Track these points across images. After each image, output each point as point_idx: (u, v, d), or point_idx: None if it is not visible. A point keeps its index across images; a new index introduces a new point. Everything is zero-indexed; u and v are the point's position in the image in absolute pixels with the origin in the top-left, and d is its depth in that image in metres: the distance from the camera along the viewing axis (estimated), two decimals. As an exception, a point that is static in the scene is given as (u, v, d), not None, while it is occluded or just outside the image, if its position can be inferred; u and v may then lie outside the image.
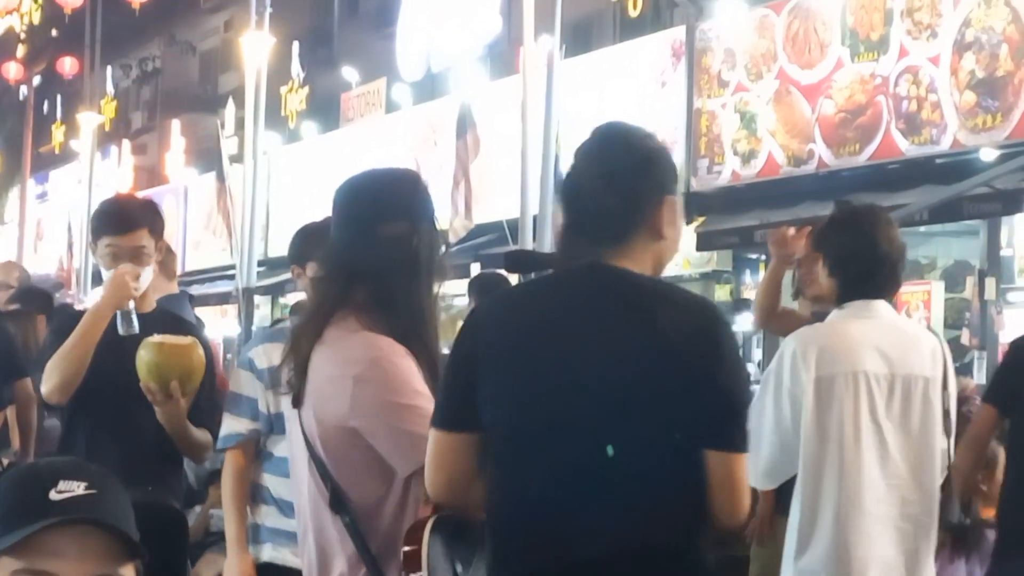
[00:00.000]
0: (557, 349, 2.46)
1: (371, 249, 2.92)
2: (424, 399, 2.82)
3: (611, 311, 2.46)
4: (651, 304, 2.45)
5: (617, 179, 2.51)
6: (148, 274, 4.12)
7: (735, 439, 2.43)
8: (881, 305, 3.67)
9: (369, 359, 2.85)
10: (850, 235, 3.73)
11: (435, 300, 2.99)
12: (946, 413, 3.61)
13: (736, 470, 2.42)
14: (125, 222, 4.16)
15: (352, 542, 2.89)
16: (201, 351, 4.01)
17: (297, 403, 2.94)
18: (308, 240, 4.01)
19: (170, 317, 4.32)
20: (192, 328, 4.35)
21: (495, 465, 2.52)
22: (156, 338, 3.91)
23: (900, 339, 3.66)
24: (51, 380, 4.00)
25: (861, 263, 3.67)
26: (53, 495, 1.69)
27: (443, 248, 3.04)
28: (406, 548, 2.75)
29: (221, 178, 18.15)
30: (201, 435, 4.10)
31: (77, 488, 1.70)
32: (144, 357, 3.87)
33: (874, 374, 3.55)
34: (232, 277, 18.24)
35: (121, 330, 3.97)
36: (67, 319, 4.26)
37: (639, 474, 2.38)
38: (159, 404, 3.89)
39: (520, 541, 2.49)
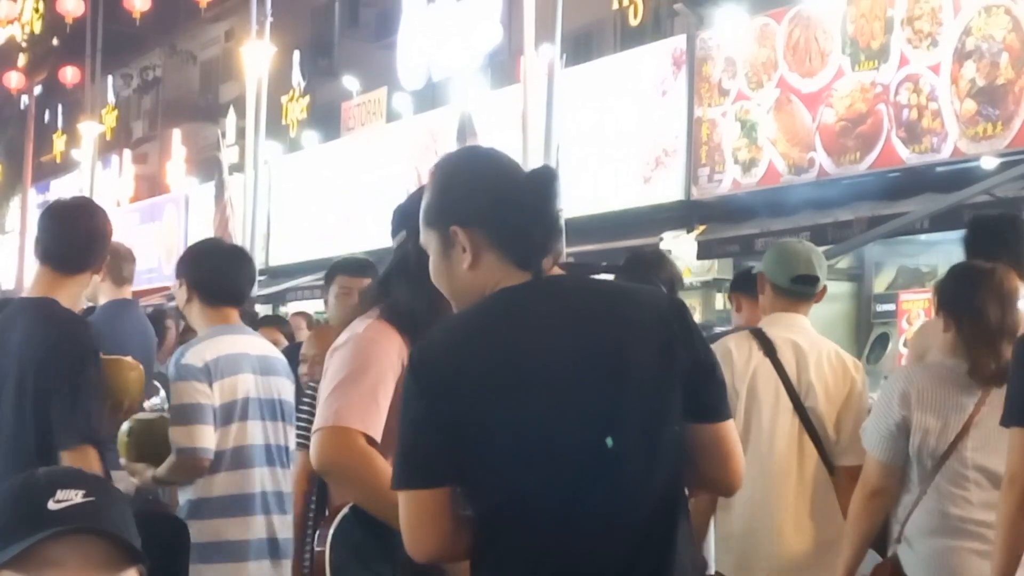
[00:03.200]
0: (541, 363, 2.41)
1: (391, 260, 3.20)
2: (363, 374, 2.93)
3: (581, 316, 2.46)
4: (618, 300, 2.50)
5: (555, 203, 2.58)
6: None
7: (728, 408, 2.58)
8: None
9: (349, 335, 3.04)
10: None
11: (439, 292, 3.05)
12: None
13: (735, 436, 2.58)
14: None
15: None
16: (134, 371, 4.02)
17: None
18: None
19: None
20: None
21: (493, 489, 2.43)
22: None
23: None
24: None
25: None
26: (51, 505, 1.68)
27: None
28: (317, 548, 2.93)
29: (220, 192, 18.14)
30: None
31: (75, 496, 1.69)
32: None
33: None
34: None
35: None
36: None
37: (642, 464, 2.41)
38: None
39: (529, 554, 2.43)
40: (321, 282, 19.98)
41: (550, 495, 2.40)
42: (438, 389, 2.41)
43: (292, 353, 5.27)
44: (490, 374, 2.40)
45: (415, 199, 3.21)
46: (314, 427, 2.94)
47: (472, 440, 2.39)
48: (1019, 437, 3.49)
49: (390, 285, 3.13)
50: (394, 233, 3.19)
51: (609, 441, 2.38)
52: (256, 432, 4.31)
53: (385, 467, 2.90)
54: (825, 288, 4.50)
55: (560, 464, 2.39)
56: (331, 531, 2.92)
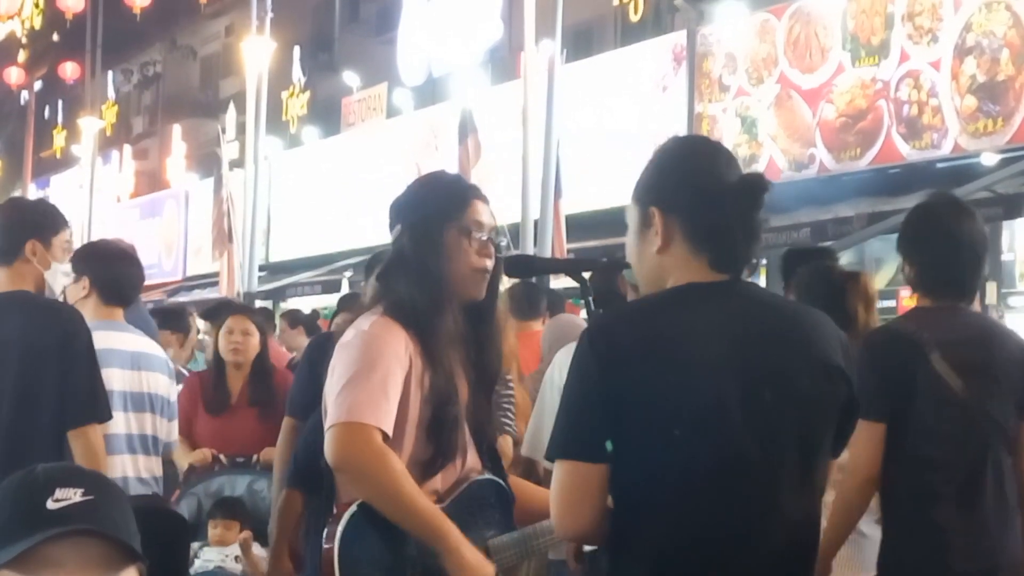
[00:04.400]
0: (720, 365, 2.38)
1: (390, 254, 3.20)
2: (372, 370, 2.91)
3: (770, 330, 2.44)
4: (808, 325, 2.48)
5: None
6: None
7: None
8: None
9: (355, 332, 3.02)
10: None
11: (437, 284, 3.06)
12: None
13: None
14: None
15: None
16: None
17: None
18: None
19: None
20: None
21: (635, 477, 2.39)
22: None
23: None
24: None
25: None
26: (50, 504, 1.67)
27: (437, 235, 3.10)
28: (325, 545, 2.90)
29: (218, 188, 18.14)
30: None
31: (74, 495, 1.68)
32: None
33: None
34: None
35: None
36: None
37: (791, 487, 2.41)
38: None
39: (682, 555, 2.40)
40: (322, 278, 19.99)
41: (688, 498, 2.37)
42: (610, 358, 2.37)
43: (322, 343, 4.78)
44: (659, 361, 2.37)
45: (410, 194, 3.23)
46: (327, 424, 2.91)
47: (628, 420, 2.36)
48: (864, 430, 3.52)
49: (389, 279, 3.12)
50: (391, 227, 3.19)
51: (609, 444, 2.35)
52: (119, 422, 4.54)
53: (399, 466, 2.89)
54: None
55: (703, 471, 2.36)
56: (340, 528, 2.91)
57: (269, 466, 5.46)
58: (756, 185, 2.47)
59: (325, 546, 2.91)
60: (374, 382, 2.90)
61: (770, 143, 13.40)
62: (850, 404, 2.47)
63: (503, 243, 3.18)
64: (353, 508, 2.91)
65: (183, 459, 5.72)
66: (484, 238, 3.13)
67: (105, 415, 4.10)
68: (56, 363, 3.97)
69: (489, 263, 3.13)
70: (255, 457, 5.63)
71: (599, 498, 2.40)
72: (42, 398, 3.97)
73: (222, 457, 5.67)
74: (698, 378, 2.36)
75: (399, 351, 2.96)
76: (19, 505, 1.69)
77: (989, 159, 11.28)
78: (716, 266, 2.45)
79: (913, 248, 3.84)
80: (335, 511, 2.98)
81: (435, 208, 3.13)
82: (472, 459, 3.15)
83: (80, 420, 3.98)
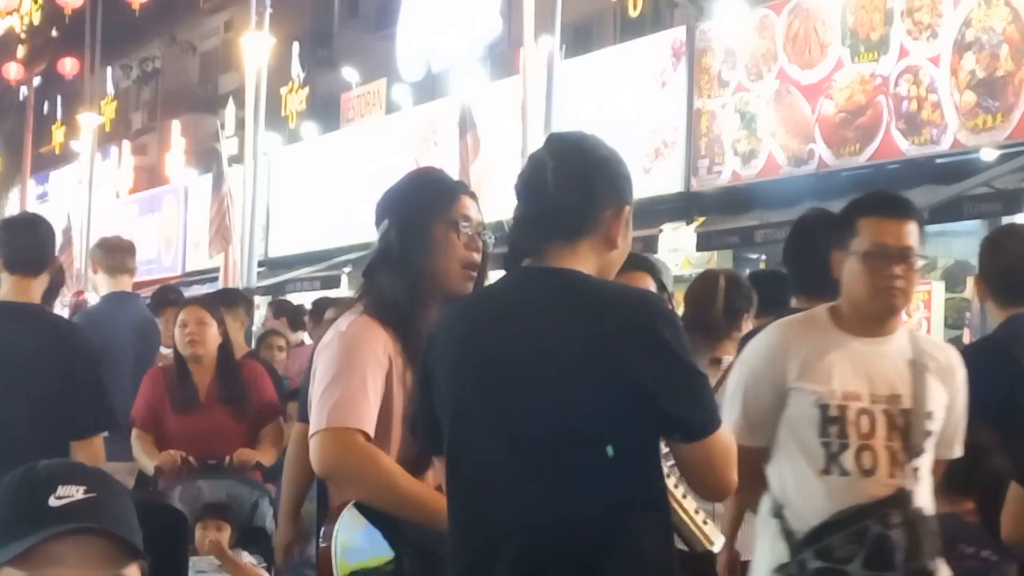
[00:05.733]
0: (505, 350, 2.50)
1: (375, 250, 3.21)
2: (350, 372, 2.94)
3: (559, 313, 2.49)
4: (596, 305, 2.48)
5: (574, 176, 2.54)
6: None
7: (701, 426, 2.47)
8: None
9: (333, 333, 3.05)
10: None
11: (421, 280, 3.06)
12: None
13: (710, 453, 2.48)
14: None
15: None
16: None
17: None
18: None
19: None
20: None
21: (447, 462, 2.62)
22: None
23: None
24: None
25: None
26: (52, 501, 1.67)
27: (425, 229, 3.10)
28: (322, 544, 2.93)
29: (218, 184, 18.10)
30: None
31: (76, 493, 1.68)
32: None
33: None
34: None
35: None
36: None
37: (579, 470, 2.44)
38: None
39: (472, 531, 2.56)
40: (320, 273, 19.89)
41: (459, 483, 2.57)
42: (428, 342, 2.66)
43: None
44: (448, 348, 2.58)
45: (398, 189, 3.23)
46: (310, 431, 2.92)
47: (436, 406, 2.61)
48: None
49: (374, 274, 3.13)
50: (378, 222, 3.19)
51: (610, 449, 2.42)
52: None
53: (387, 461, 2.90)
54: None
55: (469, 446, 2.54)
56: (336, 526, 2.92)
57: (243, 468, 5.33)
58: (527, 169, 2.61)
59: (322, 544, 2.93)
60: (353, 384, 2.91)
61: (769, 139, 13.40)
62: (661, 383, 2.41)
63: (490, 239, 3.19)
64: (349, 506, 2.92)
65: (148, 461, 5.42)
66: (472, 232, 3.13)
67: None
68: (59, 378, 4.19)
69: (477, 257, 3.14)
70: (227, 459, 5.35)
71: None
72: (46, 411, 4.17)
73: (191, 459, 5.34)
74: (462, 367, 2.55)
75: (377, 351, 2.97)
76: (21, 502, 1.69)
77: (988, 155, 11.28)
78: (511, 253, 2.63)
79: (785, 257, 4.36)
80: (330, 511, 2.99)
81: (424, 203, 3.13)
82: None
83: (86, 431, 4.22)
